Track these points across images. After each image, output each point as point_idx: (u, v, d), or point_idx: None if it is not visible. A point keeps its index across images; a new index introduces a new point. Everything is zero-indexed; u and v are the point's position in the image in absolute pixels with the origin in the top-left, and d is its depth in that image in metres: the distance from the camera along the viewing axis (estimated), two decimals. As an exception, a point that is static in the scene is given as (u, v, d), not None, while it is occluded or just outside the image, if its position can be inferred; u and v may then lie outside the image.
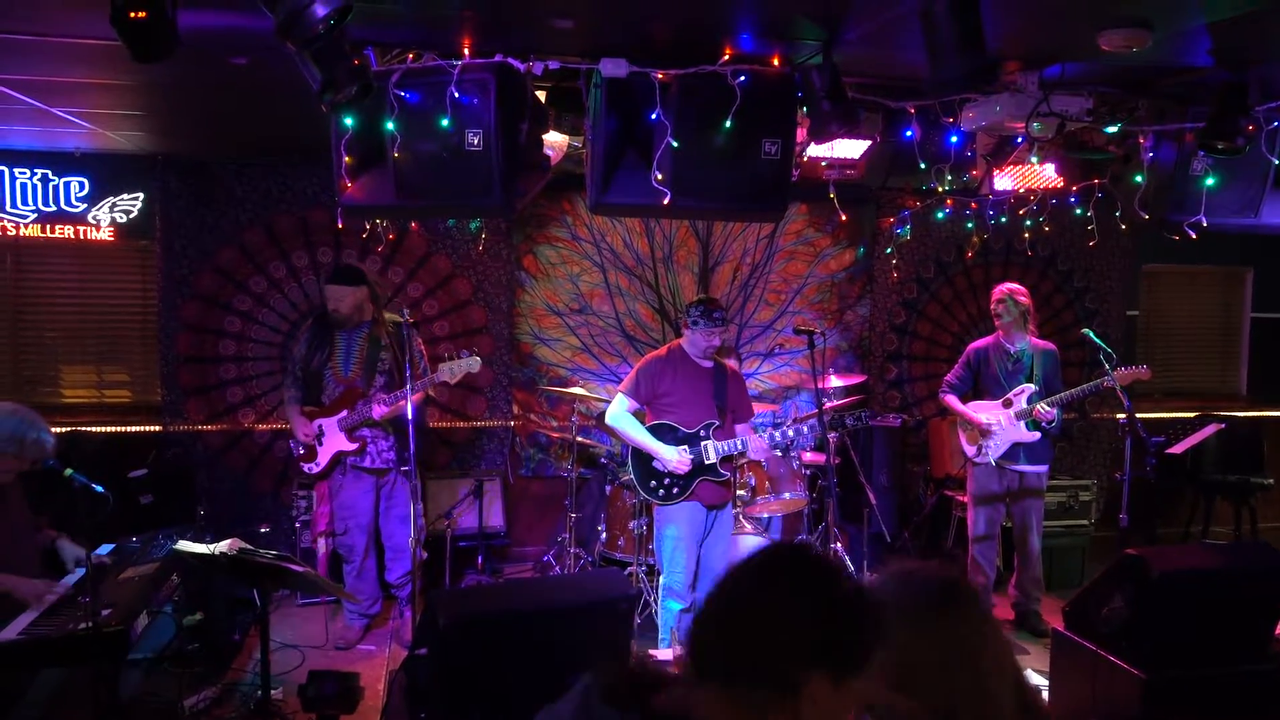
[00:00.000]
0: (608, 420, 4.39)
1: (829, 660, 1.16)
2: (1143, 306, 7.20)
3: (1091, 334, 4.92)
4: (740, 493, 4.98)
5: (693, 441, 4.25)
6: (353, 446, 4.73)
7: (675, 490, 4.26)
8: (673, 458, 4.19)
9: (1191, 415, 6.85)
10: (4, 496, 3.57)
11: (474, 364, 4.62)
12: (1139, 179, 3.99)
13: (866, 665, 1.19)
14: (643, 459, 4.31)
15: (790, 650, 1.17)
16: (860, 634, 1.19)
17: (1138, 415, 4.54)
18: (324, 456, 4.77)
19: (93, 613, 3.01)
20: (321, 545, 5.17)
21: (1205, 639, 3.37)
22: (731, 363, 4.71)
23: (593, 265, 6.25)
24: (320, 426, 4.76)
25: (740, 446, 4.30)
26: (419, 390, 4.50)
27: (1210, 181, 3.84)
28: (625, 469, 4.56)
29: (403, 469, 4.73)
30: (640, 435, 4.28)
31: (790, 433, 4.37)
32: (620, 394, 4.38)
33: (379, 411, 4.63)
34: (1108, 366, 4.75)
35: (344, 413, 4.72)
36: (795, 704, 1.16)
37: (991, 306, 5.11)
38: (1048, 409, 4.81)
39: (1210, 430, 6.41)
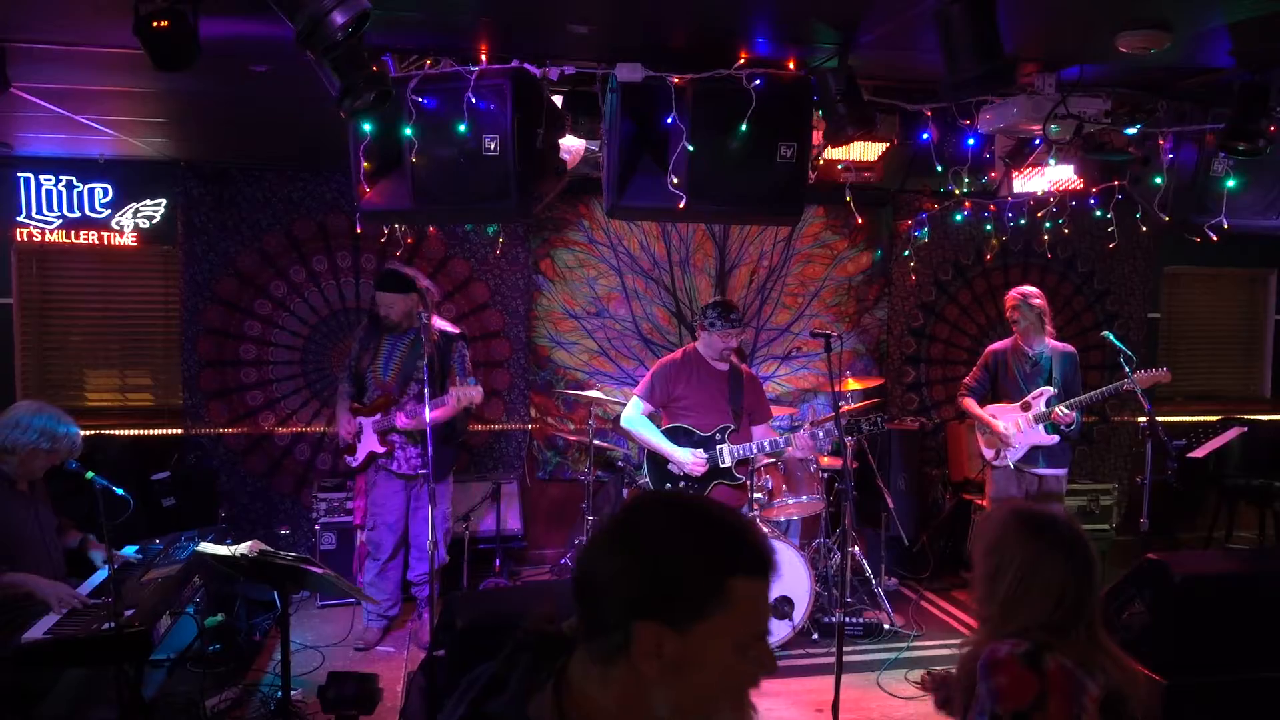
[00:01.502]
0: (622, 423, 4.40)
1: (654, 608, 1.05)
2: (1164, 309, 7.13)
3: (1112, 336, 4.88)
4: (757, 496, 4.97)
5: (708, 445, 4.25)
6: (383, 450, 4.78)
7: (690, 493, 4.26)
8: (687, 459, 4.19)
9: (1214, 418, 6.77)
10: (33, 494, 3.63)
11: (475, 394, 4.62)
12: (1159, 180, 3.96)
13: (706, 611, 1.05)
14: (658, 462, 4.31)
15: (613, 596, 1.07)
16: (694, 573, 1.06)
17: (1159, 418, 4.50)
18: (361, 453, 4.86)
19: (116, 614, 3.05)
20: (360, 537, 5.25)
21: (1227, 645, 3.33)
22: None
23: (609, 269, 6.27)
24: (360, 425, 4.83)
25: (755, 450, 4.29)
26: (435, 408, 4.37)
27: (1231, 183, 3.80)
28: (642, 472, 4.57)
29: (421, 471, 4.76)
30: (655, 438, 4.28)
31: (821, 433, 4.35)
32: (635, 397, 4.38)
33: (402, 422, 4.67)
34: (1128, 369, 4.71)
35: (377, 416, 4.77)
36: (628, 656, 1.05)
37: (1006, 312, 5.08)
38: (1066, 412, 4.78)
39: (1233, 434, 6.33)
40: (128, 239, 5.76)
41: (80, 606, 3.35)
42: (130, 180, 5.72)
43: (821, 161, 4.55)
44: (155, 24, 2.62)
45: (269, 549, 3.35)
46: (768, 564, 1.10)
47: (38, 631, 3.14)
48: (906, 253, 6.50)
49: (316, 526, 5.48)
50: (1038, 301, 4.96)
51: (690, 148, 3.37)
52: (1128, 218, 4.92)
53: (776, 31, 3.26)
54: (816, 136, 3.72)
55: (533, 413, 6.24)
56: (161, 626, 3.38)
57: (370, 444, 4.79)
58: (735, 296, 6.33)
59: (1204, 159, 3.78)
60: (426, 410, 4.11)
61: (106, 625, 3.07)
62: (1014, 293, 5.03)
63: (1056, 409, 4.79)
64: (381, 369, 4.84)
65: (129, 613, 3.18)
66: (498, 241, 6.01)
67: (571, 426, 6.22)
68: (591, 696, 1.08)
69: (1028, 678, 1.77)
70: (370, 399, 4.85)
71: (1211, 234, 3.89)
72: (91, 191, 5.69)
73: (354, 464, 4.91)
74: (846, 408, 5.12)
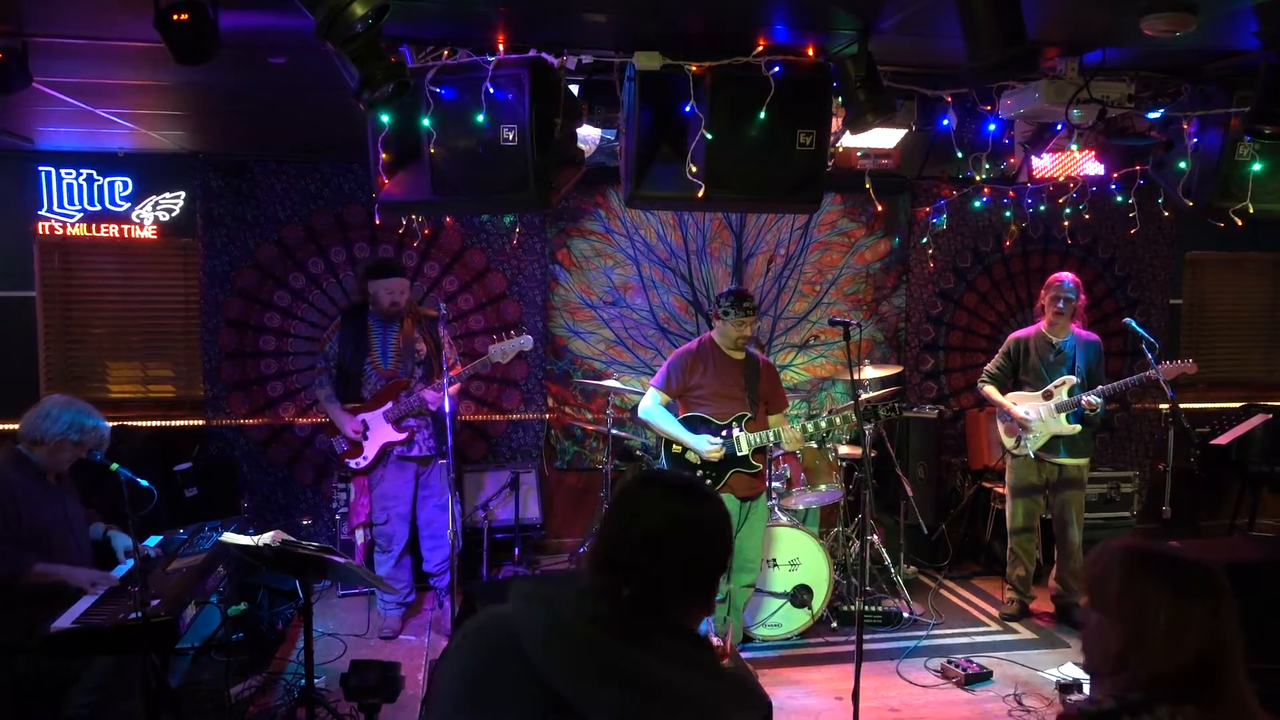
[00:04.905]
0: (640, 414, 4.40)
1: None
2: (1186, 294, 7.06)
3: (1134, 323, 4.84)
4: (775, 484, 4.97)
5: (725, 433, 4.25)
6: (401, 436, 4.80)
7: (708, 482, 4.26)
8: (704, 448, 4.20)
9: (1237, 405, 6.71)
10: (61, 486, 3.67)
11: (526, 342, 4.80)
12: (1183, 165, 3.91)
13: None
14: (675, 451, 4.32)
15: None
16: None
17: (1181, 405, 4.46)
18: (371, 450, 4.82)
19: (142, 603, 3.09)
20: (360, 536, 5.25)
21: (1251, 634, 3.30)
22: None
23: (626, 258, 6.26)
24: (364, 421, 4.82)
25: (772, 438, 4.29)
26: (472, 373, 4.79)
27: (1257, 167, 3.76)
28: (660, 461, 4.58)
29: (440, 461, 4.79)
30: (672, 427, 4.29)
31: (823, 424, 4.34)
32: (652, 387, 4.39)
33: (432, 397, 4.71)
34: (1150, 356, 4.66)
35: (389, 404, 4.78)
36: None
37: (1063, 294, 4.94)
38: (1095, 399, 4.72)
39: (1256, 420, 6.27)
40: (148, 231, 5.80)
41: (111, 590, 3.40)
42: (150, 173, 5.76)
43: (839, 148, 4.52)
44: (175, 17, 2.64)
45: (291, 539, 3.37)
46: None
47: (66, 620, 3.18)
48: (925, 240, 6.45)
49: (337, 516, 5.52)
50: (1075, 289, 4.91)
51: (709, 136, 3.35)
52: (1149, 203, 4.87)
53: (795, 18, 3.24)
54: (836, 123, 3.69)
55: (550, 402, 6.25)
56: (187, 615, 3.42)
57: (384, 435, 4.80)
58: (752, 285, 6.31)
59: (1229, 143, 3.74)
60: (446, 387, 4.25)
61: (133, 615, 3.11)
62: (1063, 277, 4.95)
63: (1084, 396, 4.75)
64: (381, 359, 4.85)
65: (155, 602, 3.22)
66: (514, 232, 6.01)
67: (589, 416, 6.23)
68: None
69: None
70: (372, 391, 4.85)
71: (1236, 219, 3.85)
72: (112, 185, 5.73)
73: (364, 463, 4.83)
74: (864, 396, 5.10)
